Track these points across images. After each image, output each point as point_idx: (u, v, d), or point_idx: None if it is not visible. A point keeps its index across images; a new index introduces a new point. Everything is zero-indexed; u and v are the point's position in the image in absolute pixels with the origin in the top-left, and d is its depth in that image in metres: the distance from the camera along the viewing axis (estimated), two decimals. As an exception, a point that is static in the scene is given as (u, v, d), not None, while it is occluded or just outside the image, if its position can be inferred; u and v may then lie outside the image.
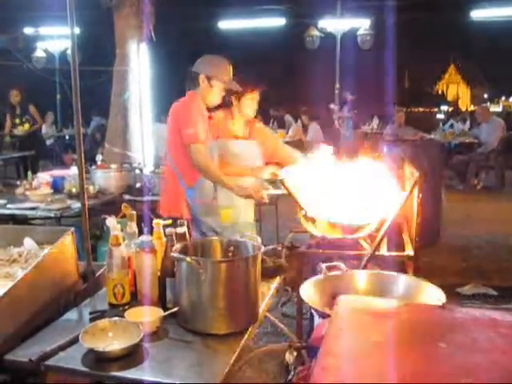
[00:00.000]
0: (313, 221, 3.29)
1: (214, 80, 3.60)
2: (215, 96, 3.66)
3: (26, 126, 10.21)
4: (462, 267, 5.76)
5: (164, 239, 2.29)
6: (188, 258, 1.96)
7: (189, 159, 3.49)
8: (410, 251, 3.11)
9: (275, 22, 13.89)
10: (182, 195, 3.62)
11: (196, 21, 14.49)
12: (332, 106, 12.01)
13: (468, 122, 12.09)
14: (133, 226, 2.40)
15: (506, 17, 12.75)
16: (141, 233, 2.36)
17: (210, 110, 3.77)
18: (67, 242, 2.38)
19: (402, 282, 2.26)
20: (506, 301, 5.05)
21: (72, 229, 2.46)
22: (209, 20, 14.20)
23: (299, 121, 11.54)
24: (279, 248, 3.10)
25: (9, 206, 4.77)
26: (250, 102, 3.99)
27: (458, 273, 5.67)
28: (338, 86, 11.69)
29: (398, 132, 10.50)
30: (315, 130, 10.34)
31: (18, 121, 10.18)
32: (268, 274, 2.63)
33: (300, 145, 10.62)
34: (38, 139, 11.19)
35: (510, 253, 6.01)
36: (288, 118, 12.41)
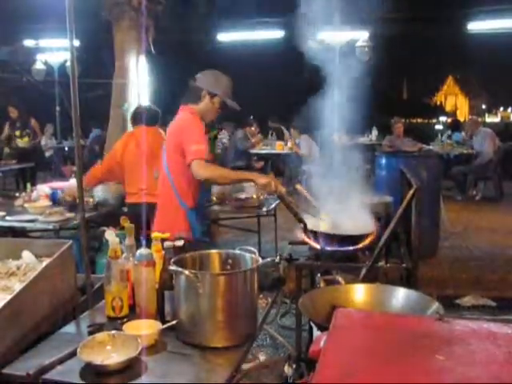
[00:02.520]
0: (312, 233, 3.30)
1: (216, 97, 3.45)
2: (213, 113, 3.53)
3: (25, 139, 10.24)
4: (460, 278, 5.75)
5: (162, 252, 2.29)
6: (186, 272, 1.97)
7: (190, 180, 3.32)
8: (408, 263, 3.11)
9: (274, 34, 13.97)
10: (181, 215, 3.40)
11: (195, 33, 14.54)
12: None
13: (463, 133, 12.13)
14: (131, 239, 2.40)
15: (503, 29, 12.83)
16: (139, 245, 2.37)
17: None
18: (66, 255, 2.38)
19: (400, 294, 2.26)
20: (504, 312, 5.04)
21: (70, 241, 2.47)
22: (208, 32, 14.27)
23: (292, 134, 11.59)
24: (278, 260, 3.10)
25: (7, 218, 4.77)
26: None
27: (457, 284, 5.66)
28: (336, 97, 11.70)
29: (396, 143, 10.51)
30: (307, 142, 10.36)
31: (17, 133, 10.23)
32: (267, 286, 2.63)
33: (297, 157, 10.66)
34: (38, 151, 11.22)
35: (509, 264, 6.00)
36: (285, 130, 12.46)
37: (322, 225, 3.31)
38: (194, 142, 3.24)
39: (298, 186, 3.95)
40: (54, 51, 14.25)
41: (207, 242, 3.41)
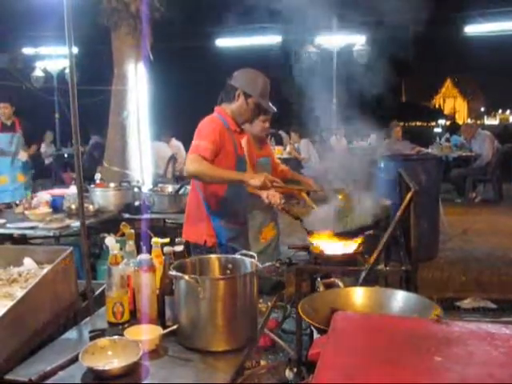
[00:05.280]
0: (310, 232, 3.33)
1: (251, 98, 3.29)
2: (248, 114, 3.36)
3: None
4: (461, 281, 5.76)
5: (162, 257, 2.30)
6: (186, 276, 1.98)
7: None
8: (407, 266, 3.12)
9: (271, 39, 14.03)
10: (205, 220, 3.30)
11: (193, 39, 14.60)
12: None
13: (462, 137, 12.14)
14: (132, 245, 2.42)
15: (501, 31, 12.86)
16: (140, 251, 2.38)
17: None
18: (66, 262, 2.39)
19: (400, 297, 2.27)
20: (505, 314, 5.05)
21: (71, 248, 2.48)
22: (206, 38, 14.32)
23: (291, 139, 11.62)
24: (278, 264, 3.12)
25: (8, 225, 4.77)
26: (261, 124, 4.16)
27: (457, 287, 5.68)
28: (335, 101, 11.82)
29: (395, 146, 10.53)
30: (306, 146, 10.40)
31: None
32: (267, 291, 2.64)
33: (296, 162, 10.68)
34: (37, 158, 11.21)
35: (509, 266, 6.01)
36: (283, 134, 12.49)
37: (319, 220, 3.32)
38: (197, 138, 3.14)
39: (303, 195, 3.98)
40: (53, 58, 14.29)
41: (235, 249, 3.00)
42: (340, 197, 3.36)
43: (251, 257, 2.26)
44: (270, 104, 3.38)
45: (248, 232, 3.60)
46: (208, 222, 3.29)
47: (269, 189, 3.22)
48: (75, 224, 4.63)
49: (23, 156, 7.19)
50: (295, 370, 3.12)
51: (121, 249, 2.33)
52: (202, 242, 3.23)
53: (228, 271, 2.27)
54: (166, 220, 5.77)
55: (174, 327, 2.06)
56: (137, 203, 5.47)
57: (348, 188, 3.44)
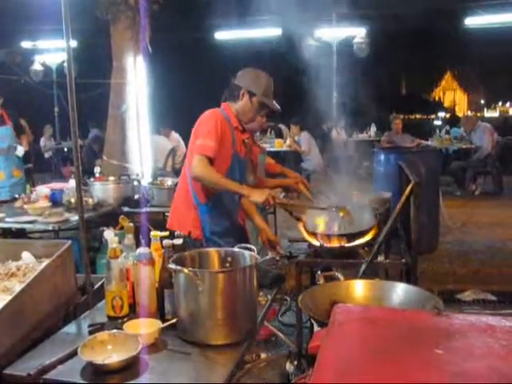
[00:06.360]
0: (312, 233, 3.31)
1: (255, 97, 3.30)
2: (252, 113, 3.37)
3: None
4: (461, 273, 5.76)
5: (162, 251, 2.30)
6: (185, 270, 1.97)
7: None
8: (407, 258, 3.11)
9: (271, 32, 13.96)
10: (192, 211, 3.26)
11: (192, 32, 14.54)
12: None
13: (462, 129, 12.11)
14: (131, 238, 2.41)
15: (501, 23, 12.82)
16: (139, 244, 2.37)
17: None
18: (65, 255, 2.39)
19: (400, 289, 2.26)
20: (505, 306, 5.06)
21: (69, 242, 2.47)
22: (205, 31, 14.27)
23: (291, 131, 11.60)
24: (278, 257, 3.12)
25: (7, 219, 4.77)
26: (260, 119, 4.14)
27: (457, 279, 5.67)
28: (335, 94, 11.80)
29: (395, 139, 10.52)
30: (307, 139, 10.40)
31: None
32: (267, 284, 2.64)
33: (296, 154, 10.68)
34: (36, 152, 11.20)
35: (509, 258, 6.01)
36: (282, 127, 12.48)
37: (321, 223, 3.31)
38: (201, 135, 3.12)
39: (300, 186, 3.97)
40: (51, 52, 14.24)
41: (220, 245, 3.01)
42: (342, 214, 3.31)
43: (250, 250, 2.26)
44: (274, 102, 3.39)
45: (238, 230, 3.51)
46: (195, 213, 3.24)
47: (270, 205, 3.17)
48: (74, 218, 4.62)
49: (20, 152, 7.08)
50: (295, 362, 3.12)
51: (120, 242, 2.33)
52: (186, 233, 3.18)
53: (227, 264, 2.26)
54: (166, 213, 5.76)
55: (174, 321, 2.06)
56: (136, 196, 5.47)
57: (349, 204, 3.40)
